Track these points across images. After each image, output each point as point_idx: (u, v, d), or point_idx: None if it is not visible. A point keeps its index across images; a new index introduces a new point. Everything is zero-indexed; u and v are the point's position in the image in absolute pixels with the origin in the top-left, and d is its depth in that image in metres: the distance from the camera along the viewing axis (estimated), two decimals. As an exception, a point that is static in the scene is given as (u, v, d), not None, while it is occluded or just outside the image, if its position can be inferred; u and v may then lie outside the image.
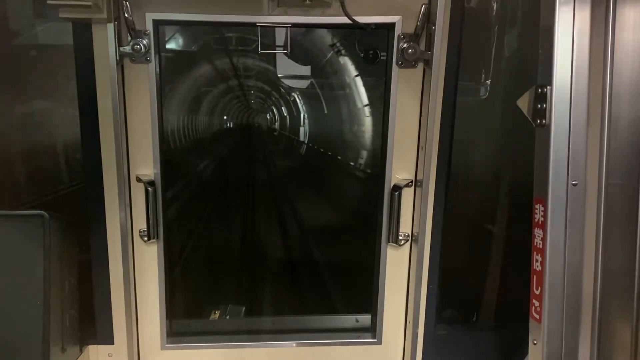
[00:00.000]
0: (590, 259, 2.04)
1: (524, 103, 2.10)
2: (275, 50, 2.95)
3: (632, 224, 1.98)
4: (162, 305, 2.55)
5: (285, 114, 6.32)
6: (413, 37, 2.29)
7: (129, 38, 2.23)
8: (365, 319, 2.78)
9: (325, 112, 5.37)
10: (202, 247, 4.29)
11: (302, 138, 6.08)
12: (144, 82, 2.30)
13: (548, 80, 1.96)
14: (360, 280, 2.89)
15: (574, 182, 1.98)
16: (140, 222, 2.44)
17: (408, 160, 2.47)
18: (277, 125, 6.66)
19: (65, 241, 2.31)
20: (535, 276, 2.11)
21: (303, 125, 6.14)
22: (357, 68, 4.03)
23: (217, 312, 3.11)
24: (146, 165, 2.40)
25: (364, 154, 4.07)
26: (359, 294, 2.89)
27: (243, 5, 2.26)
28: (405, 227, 2.52)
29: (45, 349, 2.15)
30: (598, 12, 1.95)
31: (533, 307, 2.12)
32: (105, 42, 2.16)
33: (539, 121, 2.01)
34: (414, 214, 2.50)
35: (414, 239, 2.49)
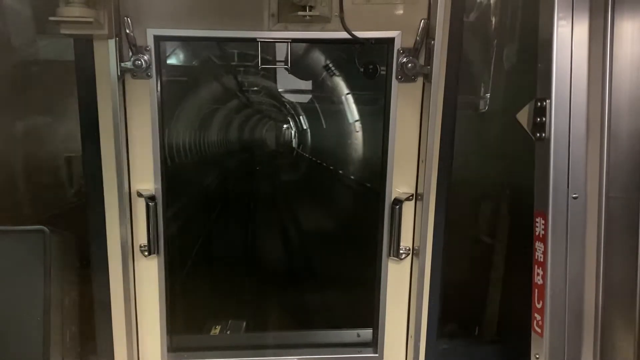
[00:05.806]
0: (592, 272, 2.03)
1: (523, 116, 2.10)
2: (275, 65, 2.96)
3: (632, 236, 1.97)
4: (163, 321, 2.53)
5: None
6: (412, 52, 2.31)
7: (130, 54, 2.24)
8: (366, 333, 2.76)
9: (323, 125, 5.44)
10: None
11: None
12: (145, 97, 2.31)
13: (547, 93, 1.97)
14: (361, 295, 2.87)
15: (574, 195, 1.98)
16: (140, 237, 2.43)
17: (408, 174, 2.47)
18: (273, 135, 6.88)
19: (65, 256, 2.31)
20: (536, 290, 2.10)
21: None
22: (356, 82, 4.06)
23: (218, 327, 3.09)
24: (147, 180, 2.40)
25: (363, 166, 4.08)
26: (360, 308, 2.88)
27: (243, 21, 2.28)
28: (406, 241, 2.51)
29: (45, 364, 2.14)
30: (596, 25, 1.96)
31: (535, 321, 2.11)
32: (107, 57, 2.18)
33: (538, 134, 2.01)
34: (415, 227, 2.50)
35: (415, 252, 2.48)
